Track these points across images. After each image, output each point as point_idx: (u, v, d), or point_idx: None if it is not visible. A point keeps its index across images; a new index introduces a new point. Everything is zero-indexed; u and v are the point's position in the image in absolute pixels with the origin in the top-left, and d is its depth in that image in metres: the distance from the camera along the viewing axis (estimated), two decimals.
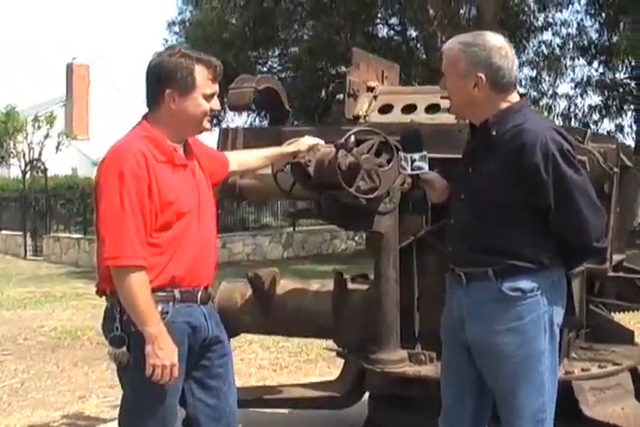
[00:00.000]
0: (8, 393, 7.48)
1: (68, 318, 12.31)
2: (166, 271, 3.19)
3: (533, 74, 25.79)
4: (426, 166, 3.35)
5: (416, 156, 3.34)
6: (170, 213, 3.19)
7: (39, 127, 28.52)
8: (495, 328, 3.18)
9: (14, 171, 29.13)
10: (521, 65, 26.17)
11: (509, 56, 3.18)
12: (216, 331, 3.38)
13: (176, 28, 28.85)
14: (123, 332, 3.16)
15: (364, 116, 4.60)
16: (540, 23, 25.67)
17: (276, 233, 23.00)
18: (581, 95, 25.25)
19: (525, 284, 3.15)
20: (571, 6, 25.00)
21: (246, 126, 22.56)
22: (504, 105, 3.20)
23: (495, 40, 3.18)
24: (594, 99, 25.04)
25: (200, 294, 3.30)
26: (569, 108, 24.60)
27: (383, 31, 26.94)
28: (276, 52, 27.12)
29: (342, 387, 4.54)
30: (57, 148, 29.52)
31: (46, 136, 28.48)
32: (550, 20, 25.56)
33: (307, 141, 3.86)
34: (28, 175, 26.13)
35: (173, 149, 3.29)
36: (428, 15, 23.79)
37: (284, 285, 4.69)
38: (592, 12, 24.19)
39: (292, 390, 4.80)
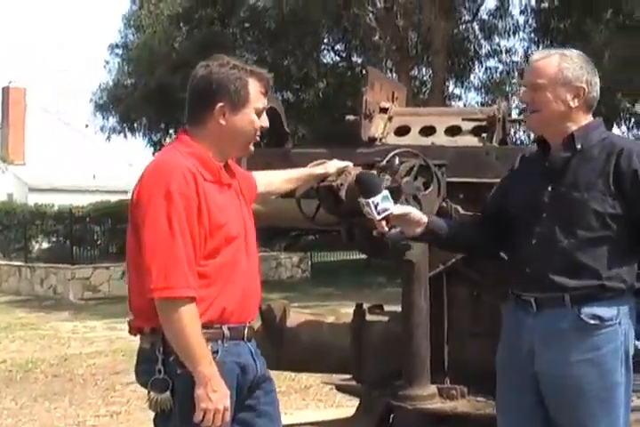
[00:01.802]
0: None
1: (17, 350, 11.93)
2: (215, 305, 2.88)
3: (480, 99, 26.02)
4: (391, 204, 3.12)
5: (378, 199, 3.09)
6: (219, 238, 2.89)
7: None
8: (571, 359, 3.01)
9: None
10: (467, 90, 26.45)
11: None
12: (263, 369, 3.08)
13: (118, 51, 28.66)
14: (166, 375, 2.84)
15: (380, 139, 4.39)
16: (485, 50, 26.00)
17: None
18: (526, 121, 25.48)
19: (604, 311, 3.01)
20: (517, 35, 25.35)
21: None
22: (584, 121, 3.16)
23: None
24: None
25: (246, 330, 3.01)
26: (515, 134, 24.75)
27: (328, 57, 27.00)
28: None
29: (365, 425, 4.28)
30: None
31: None
32: (496, 47, 25.91)
33: (336, 164, 3.62)
34: None
35: (220, 168, 3.00)
36: (373, 42, 23.94)
37: (295, 317, 4.44)
38: (536, 40, 24.52)
39: None
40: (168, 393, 2.83)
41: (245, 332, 3.00)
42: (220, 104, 2.95)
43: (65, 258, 21.54)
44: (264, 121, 3.07)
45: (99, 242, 23.84)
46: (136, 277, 2.90)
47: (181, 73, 24.08)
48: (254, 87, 2.99)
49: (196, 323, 2.79)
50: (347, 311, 4.53)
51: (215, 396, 2.79)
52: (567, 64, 3.09)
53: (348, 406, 6.99)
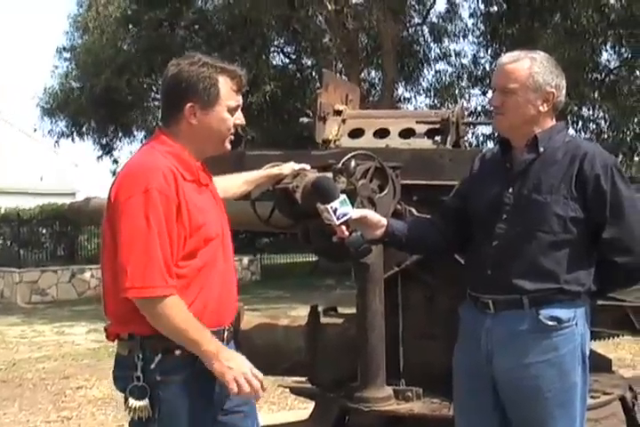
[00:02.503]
0: None
1: None
2: (194, 307, 2.82)
3: (429, 102, 26.06)
4: (350, 209, 3.11)
5: (336, 204, 3.08)
6: (198, 239, 2.84)
7: None
8: (529, 361, 3.03)
9: None
10: (418, 93, 26.53)
11: None
12: None
13: (66, 55, 28.35)
14: (145, 382, 2.79)
15: (335, 141, 4.39)
16: (435, 53, 26.13)
17: None
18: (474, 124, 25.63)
19: (562, 312, 3.04)
20: (465, 38, 25.51)
21: None
22: (549, 124, 3.18)
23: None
24: (488, 128, 25.43)
25: (226, 333, 2.97)
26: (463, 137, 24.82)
27: (278, 59, 26.95)
28: None
29: None
30: None
31: None
32: (445, 50, 26.03)
33: (291, 166, 3.61)
34: None
35: (198, 168, 2.97)
36: (323, 44, 23.95)
37: (249, 320, 4.41)
38: (485, 44, 24.66)
39: None
40: (146, 400, 2.79)
41: (225, 335, 2.96)
42: (190, 104, 2.90)
43: (12, 261, 21.27)
44: (239, 118, 3.02)
45: (46, 245, 23.56)
46: (112, 281, 2.84)
47: (129, 76, 24.03)
48: (225, 85, 2.94)
49: (181, 312, 2.75)
50: (297, 314, 4.52)
51: (233, 363, 2.77)
52: (538, 69, 3.11)
53: (300, 409, 6.99)
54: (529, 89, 3.10)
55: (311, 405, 4.73)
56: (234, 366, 2.77)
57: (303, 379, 4.60)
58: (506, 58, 3.19)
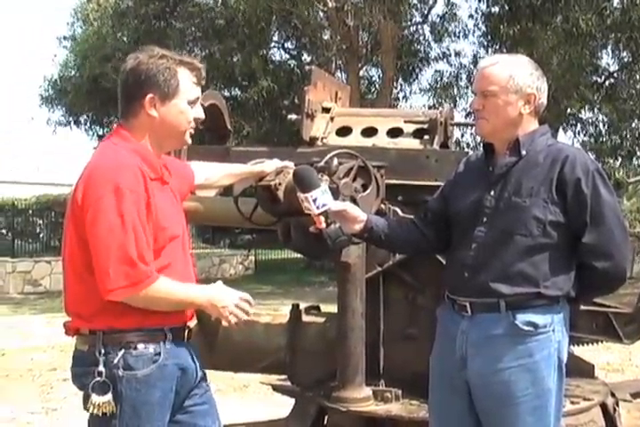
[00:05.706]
0: None
1: None
2: None
3: (429, 102, 25.96)
4: (330, 200, 3.11)
5: (317, 193, 3.07)
6: (163, 239, 2.83)
7: None
8: (503, 365, 3.01)
9: None
10: (414, 93, 26.47)
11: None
12: (201, 371, 3.03)
13: (66, 43, 28.35)
14: (107, 377, 2.76)
15: (322, 139, 4.35)
16: (435, 53, 26.07)
17: None
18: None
19: (539, 318, 3.01)
20: (466, 38, 25.45)
21: None
22: (531, 128, 3.16)
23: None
24: None
25: (186, 331, 2.97)
26: (462, 137, 24.84)
27: (278, 55, 26.86)
28: None
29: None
30: None
31: None
32: (445, 50, 25.98)
33: (275, 164, 3.58)
34: None
35: (162, 166, 2.94)
36: (323, 41, 23.88)
37: None
38: (485, 44, 24.58)
39: None
40: (110, 396, 2.76)
41: (185, 333, 2.96)
42: (150, 95, 2.86)
43: (5, 251, 21.20)
44: (198, 112, 2.99)
45: (41, 235, 23.51)
46: (79, 278, 2.82)
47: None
48: (185, 77, 2.91)
49: (172, 288, 2.80)
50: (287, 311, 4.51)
51: (224, 301, 2.86)
52: (517, 71, 3.09)
53: (286, 406, 6.95)
54: (509, 91, 3.08)
55: None
56: (227, 303, 2.84)
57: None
58: (485, 61, 3.20)
